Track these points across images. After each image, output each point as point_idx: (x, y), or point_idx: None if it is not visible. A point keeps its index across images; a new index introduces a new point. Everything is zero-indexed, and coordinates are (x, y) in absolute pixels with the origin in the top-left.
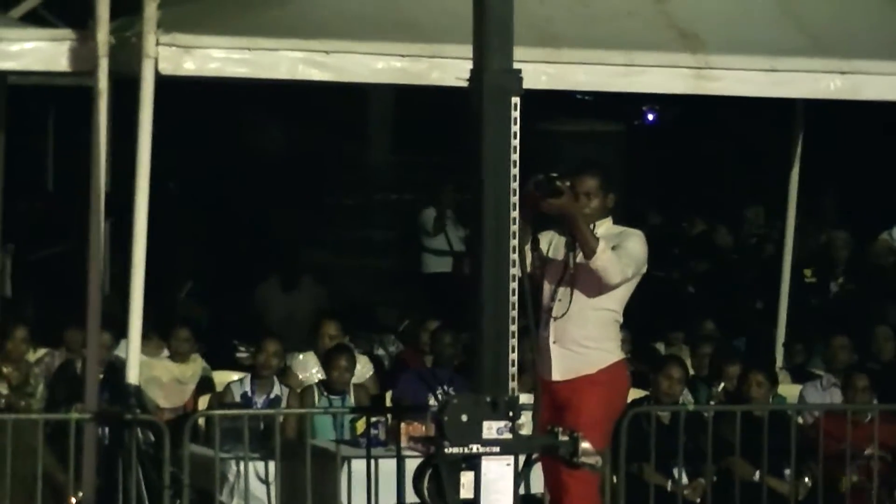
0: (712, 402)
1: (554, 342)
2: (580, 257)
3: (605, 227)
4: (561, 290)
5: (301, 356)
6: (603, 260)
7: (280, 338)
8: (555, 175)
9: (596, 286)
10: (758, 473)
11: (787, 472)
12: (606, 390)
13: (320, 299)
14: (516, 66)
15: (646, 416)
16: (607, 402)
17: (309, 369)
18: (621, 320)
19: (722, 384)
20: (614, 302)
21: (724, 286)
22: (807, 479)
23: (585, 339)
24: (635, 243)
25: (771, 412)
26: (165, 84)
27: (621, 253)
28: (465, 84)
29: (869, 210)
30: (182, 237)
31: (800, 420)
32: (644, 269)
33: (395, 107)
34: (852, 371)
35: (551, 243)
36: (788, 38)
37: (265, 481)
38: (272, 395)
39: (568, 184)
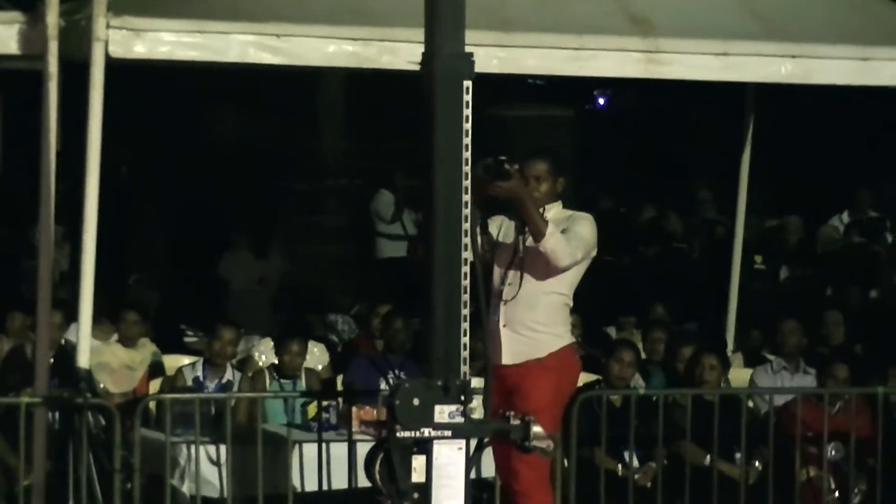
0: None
1: (504, 326)
2: (530, 241)
3: (554, 211)
4: (511, 273)
5: (261, 343)
6: (552, 243)
7: (236, 322)
8: (503, 158)
9: (545, 270)
10: (708, 457)
11: (738, 455)
12: (556, 374)
13: (286, 268)
14: (468, 49)
15: (597, 399)
16: (556, 386)
17: (269, 358)
18: (571, 304)
19: None
20: (564, 286)
21: (675, 271)
22: (757, 464)
23: (535, 322)
24: (584, 227)
25: (723, 396)
26: (116, 69)
27: (570, 236)
28: (416, 68)
29: (818, 196)
30: (132, 222)
31: (750, 404)
32: (594, 253)
33: (347, 92)
34: (833, 360)
35: (501, 227)
36: (740, 23)
37: (217, 464)
38: (224, 380)
39: (516, 167)
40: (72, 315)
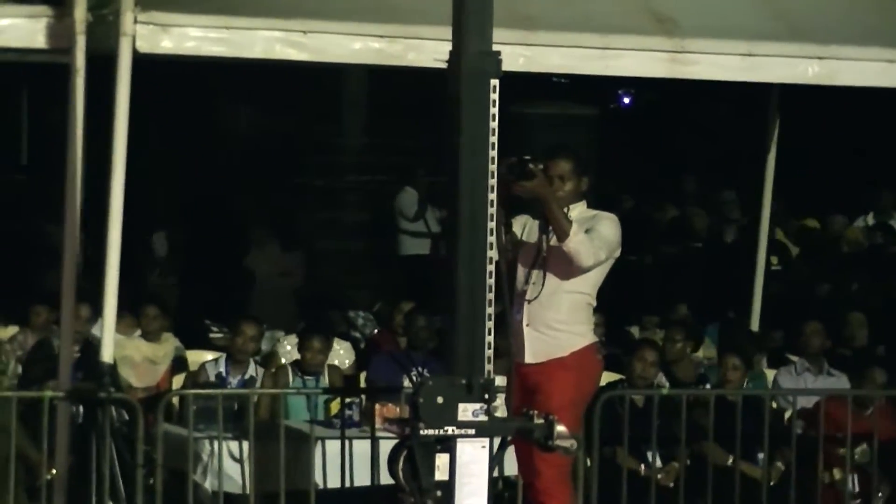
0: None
1: (527, 325)
2: (553, 240)
3: (578, 211)
4: (534, 273)
5: (285, 341)
6: (576, 242)
7: (258, 318)
8: (527, 158)
9: (569, 269)
10: (731, 458)
11: (761, 456)
12: (577, 374)
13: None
14: (494, 48)
15: (619, 399)
16: (578, 385)
17: (293, 355)
18: (594, 303)
19: None
20: (587, 285)
21: (697, 271)
22: (779, 464)
23: (557, 322)
24: (608, 227)
25: (745, 397)
26: (137, 63)
27: (594, 236)
28: (442, 66)
29: (842, 197)
30: (155, 217)
31: (773, 405)
32: (617, 253)
33: (369, 89)
34: (868, 365)
35: (525, 227)
36: (764, 24)
37: (239, 460)
38: (247, 376)
39: (541, 166)
40: (94, 311)
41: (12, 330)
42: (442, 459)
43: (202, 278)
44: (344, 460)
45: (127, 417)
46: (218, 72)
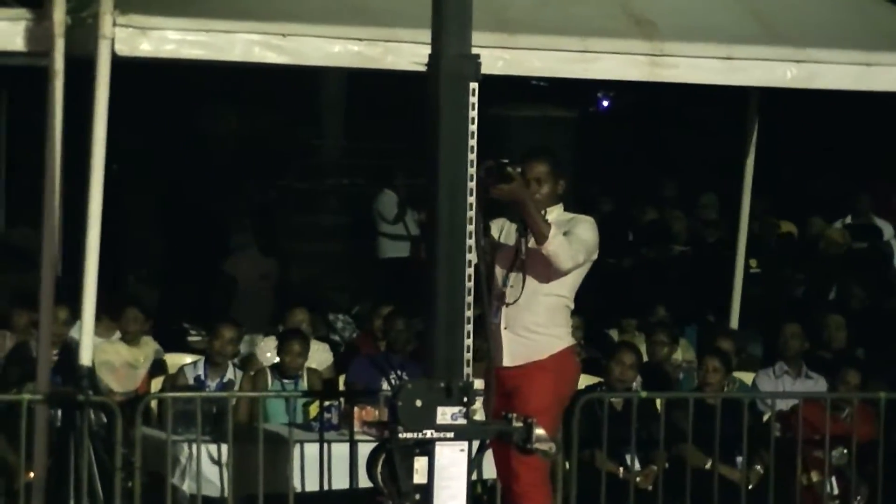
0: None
1: (505, 328)
2: (532, 243)
3: (555, 214)
4: (512, 276)
5: (262, 343)
6: (554, 245)
7: (237, 321)
8: (505, 161)
9: (547, 272)
10: (710, 461)
11: (740, 459)
12: (555, 377)
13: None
14: (473, 51)
15: (598, 402)
16: (555, 388)
17: (273, 358)
18: (572, 306)
19: None
20: (565, 288)
21: (676, 273)
22: (758, 467)
23: (535, 324)
24: (586, 229)
25: (724, 399)
26: (115, 65)
27: (572, 239)
28: (421, 69)
29: (820, 199)
30: (131, 220)
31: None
32: (595, 256)
33: (348, 92)
34: (842, 366)
35: (502, 230)
36: (743, 27)
37: (217, 463)
38: (225, 379)
39: (519, 170)
40: (73, 314)
41: None
42: (420, 463)
43: (181, 281)
44: (323, 463)
45: (105, 420)
46: (196, 74)
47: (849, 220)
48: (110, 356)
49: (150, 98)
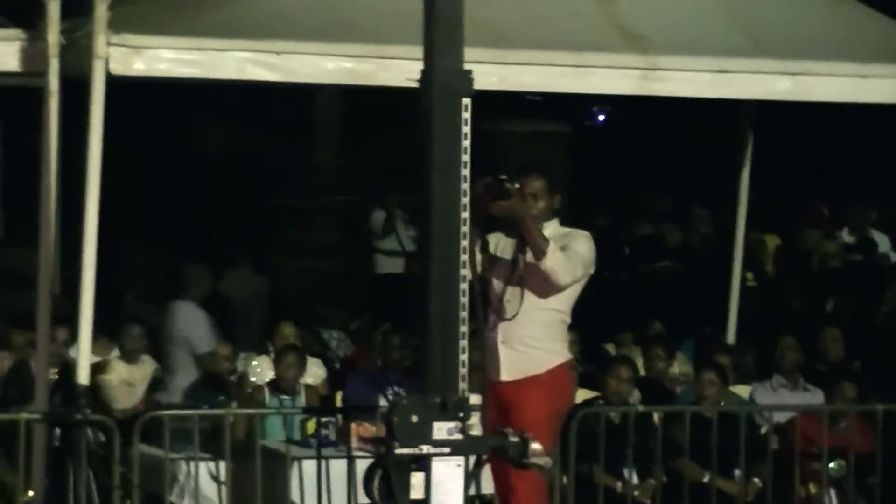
0: None
1: (502, 343)
2: (529, 258)
3: (551, 229)
4: (510, 290)
5: (255, 362)
6: (553, 261)
7: (232, 338)
8: (504, 177)
9: (544, 287)
10: (708, 474)
11: (738, 472)
12: (551, 391)
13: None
14: (466, 66)
15: (595, 416)
16: (551, 402)
17: (264, 375)
18: (569, 321)
19: None
20: (561, 303)
21: (671, 287)
22: (756, 480)
23: (532, 339)
24: (583, 244)
25: (721, 412)
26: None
27: (570, 254)
28: (414, 85)
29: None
30: (126, 237)
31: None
32: (592, 270)
33: (341, 109)
34: (839, 378)
35: (499, 245)
36: (736, 40)
37: (216, 481)
38: (222, 396)
39: (517, 186)
40: (71, 333)
41: None
42: (417, 478)
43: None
44: (320, 480)
45: (103, 439)
46: (190, 92)
47: (845, 233)
48: (108, 374)
49: (144, 116)
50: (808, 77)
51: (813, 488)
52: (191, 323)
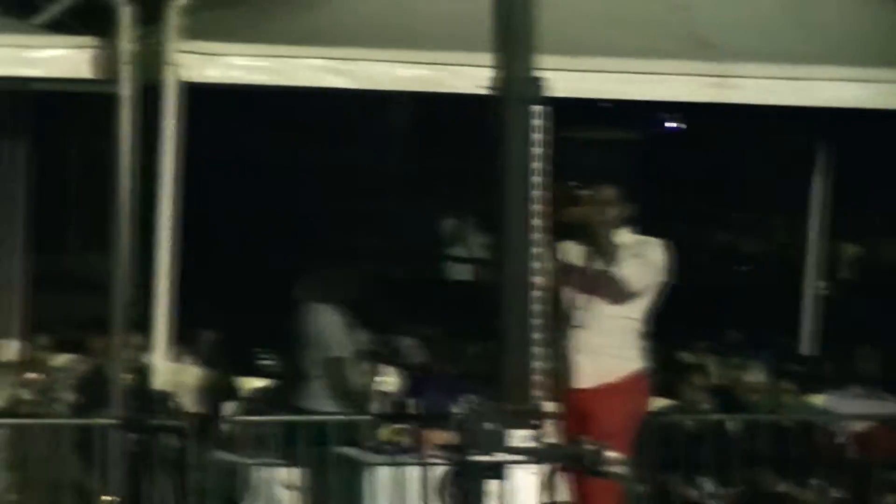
0: None
1: (577, 350)
2: (601, 265)
3: (623, 236)
4: (583, 298)
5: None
6: (624, 269)
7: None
8: (576, 184)
9: (617, 295)
10: (784, 484)
11: (814, 482)
12: (627, 399)
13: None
14: (537, 74)
15: (671, 425)
16: (628, 410)
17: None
18: (643, 329)
19: None
20: (636, 310)
21: (747, 296)
22: (833, 490)
23: (607, 347)
24: (657, 252)
25: (799, 422)
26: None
27: (642, 261)
28: (485, 92)
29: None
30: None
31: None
32: (666, 278)
33: (415, 113)
34: None
35: (571, 252)
36: (807, 46)
37: (290, 487)
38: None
39: (589, 192)
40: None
41: (67, 358)
42: (492, 486)
43: (247, 305)
44: (395, 487)
45: (179, 444)
46: (258, 98)
47: None
48: (185, 378)
49: (213, 122)
50: (884, 85)
51: (891, 499)
52: (331, 326)
